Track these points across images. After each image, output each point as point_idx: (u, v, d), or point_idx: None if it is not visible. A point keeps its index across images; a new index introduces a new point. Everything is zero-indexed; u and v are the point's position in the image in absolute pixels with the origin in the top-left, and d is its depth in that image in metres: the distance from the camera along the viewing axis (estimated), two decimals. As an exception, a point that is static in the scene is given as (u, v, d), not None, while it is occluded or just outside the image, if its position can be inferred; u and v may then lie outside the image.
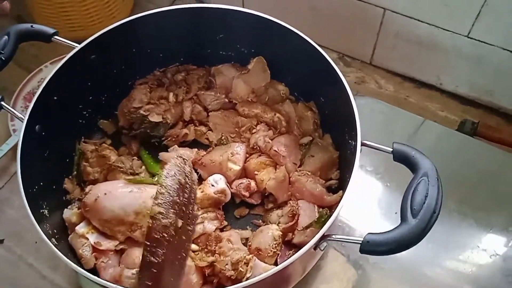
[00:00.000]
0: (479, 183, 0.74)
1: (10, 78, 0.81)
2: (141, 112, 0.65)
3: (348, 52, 0.90)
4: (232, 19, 0.66)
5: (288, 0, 0.87)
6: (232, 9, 0.65)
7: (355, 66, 0.89)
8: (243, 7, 0.82)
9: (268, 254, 0.54)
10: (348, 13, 0.82)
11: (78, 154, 0.63)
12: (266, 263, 0.53)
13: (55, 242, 0.48)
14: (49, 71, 0.86)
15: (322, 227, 0.47)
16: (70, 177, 0.62)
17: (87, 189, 0.56)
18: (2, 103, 0.54)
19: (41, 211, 0.52)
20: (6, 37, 0.56)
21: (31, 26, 0.58)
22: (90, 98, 0.65)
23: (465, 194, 0.72)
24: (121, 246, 0.55)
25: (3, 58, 0.55)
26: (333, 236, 0.46)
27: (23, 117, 0.54)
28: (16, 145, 0.77)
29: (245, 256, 0.53)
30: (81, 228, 0.53)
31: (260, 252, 0.54)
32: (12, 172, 0.79)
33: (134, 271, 0.51)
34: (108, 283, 0.43)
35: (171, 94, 0.68)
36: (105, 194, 0.53)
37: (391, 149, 0.49)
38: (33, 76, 0.86)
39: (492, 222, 0.69)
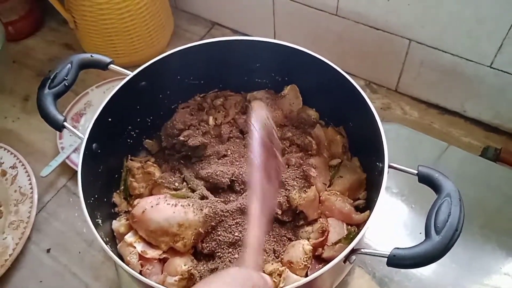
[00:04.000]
0: (502, 207, 0.76)
1: (60, 100, 0.88)
2: (181, 138, 0.70)
3: (375, 79, 0.94)
4: (266, 50, 0.71)
5: (318, 32, 0.92)
6: (265, 41, 0.70)
7: (381, 93, 0.93)
8: (275, 38, 0.87)
9: (299, 267, 0.57)
10: (375, 43, 0.86)
11: (126, 170, 0.68)
12: (297, 275, 0.57)
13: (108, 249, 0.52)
14: (94, 94, 0.94)
15: (350, 243, 0.51)
16: (118, 191, 0.68)
17: (135, 202, 0.61)
18: (65, 123, 0.60)
19: (96, 220, 0.57)
20: (69, 65, 0.62)
21: (91, 56, 0.64)
22: (138, 120, 0.71)
23: (488, 218, 0.74)
24: (164, 256, 0.59)
25: (67, 84, 0.61)
26: (362, 249, 0.49)
27: (83, 136, 0.59)
28: (63, 162, 0.84)
29: (278, 268, 0.57)
30: (129, 238, 0.58)
31: (292, 265, 0.57)
32: (59, 186, 0.85)
33: (176, 277, 0.55)
34: (154, 283, 0.47)
35: (211, 118, 0.73)
36: (152, 207, 0.58)
37: (416, 171, 0.53)
38: (80, 99, 0.94)
39: (515, 246, 0.71)
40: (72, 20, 0.94)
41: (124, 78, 0.64)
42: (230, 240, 0.59)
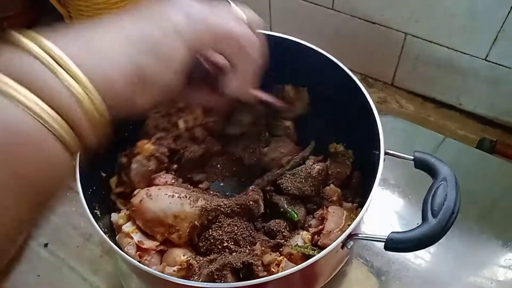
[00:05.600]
0: (497, 199, 0.76)
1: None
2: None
3: (371, 73, 0.95)
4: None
5: (314, 26, 0.92)
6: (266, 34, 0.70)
7: (377, 86, 0.94)
8: (271, 30, 0.87)
9: (299, 257, 0.57)
10: (370, 38, 0.87)
11: (121, 165, 0.68)
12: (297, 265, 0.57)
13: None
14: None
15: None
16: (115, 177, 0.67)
17: (135, 192, 0.61)
18: None
19: (95, 211, 0.57)
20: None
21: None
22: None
23: (484, 210, 0.75)
24: (160, 247, 0.59)
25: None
26: (359, 234, 0.49)
27: None
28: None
29: (276, 258, 0.57)
30: (127, 227, 0.58)
31: (292, 256, 0.58)
32: (56, 182, 0.85)
33: (175, 268, 0.55)
34: (155, 271, 0.47)
35: (180, 121, 0.70)
36: (149, 196, 0.58)
37: (412, 157, 0.53)
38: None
39: (511, 237, 0.72)
40: (68, 15, 0.94)
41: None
42: (225, 238, 0.59)
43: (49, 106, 0.30)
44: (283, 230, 0.62)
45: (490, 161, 0.79)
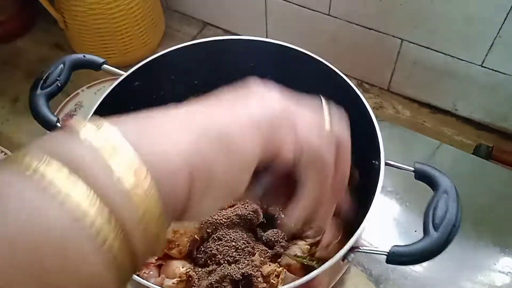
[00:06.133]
0: (495, 205, 0.77)
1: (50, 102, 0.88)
2: None
3: (366, 79, 0.95)
4: (262, 49, 0.71)
5: (310, 32, 0.92)
6: (264, 41, 0.70)
7: (373, 92, 0.94)
8: (267, 37, 0.87)
9: (298, 267, 0.57)
10: (367, 43, 0.87)
11: None
12: (296, 276, 0.57)
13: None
14: (85, 95, 0.93)
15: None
16: None
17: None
18: (58, 124, 0.59)
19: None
20: (62, 65, 0.61)
21: (83, 56, 0.64)
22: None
23: (482, 215, 0.75)
24: (159, 262, 0.59)
25: (59, 85, 0.60)
26: (361, 247, 0.49)
27: None
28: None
29: (275, 269, 0.57)
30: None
31: (290, 267, 0.57)
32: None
33: (175, 280, 0.54)
34: (154, 285, 0.47)
35: None
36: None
37: (413, 168, 0.53)
38: (70, 100, 0.92)
39: (508, 242, 0.72)
40: (62, 20, 0.93)
41: (117, 78, 0.64)
42: (224, 249, 0.58)
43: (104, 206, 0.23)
44: (281, 240, 0.61)
45: (487, 167, 0.80)
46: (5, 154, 0.84)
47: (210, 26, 1.08)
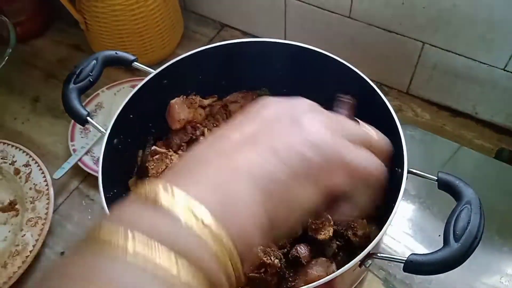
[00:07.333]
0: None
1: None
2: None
3: (386, 81, 0.94)
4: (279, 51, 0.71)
5: (329, 34, 0.92)
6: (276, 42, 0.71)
7: (392, 95, 0.93)
8: (286, 39, 0.87)
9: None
10: (387, 46, 0.86)
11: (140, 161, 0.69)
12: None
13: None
14: (105, 95, 0.94)
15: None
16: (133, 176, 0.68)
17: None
18: (88, 118, 0.60)
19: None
20: (94, 61, 0.62)
21: (116, 53, 0.65)
22: (158, 118, 0.71)
23: (505, 220, 0.75)
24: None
25: (91, 80, 0.62)
26: (378, 254, 0.49)
27: (105, 131, 0.60)
28: (75, 164, 0.84)
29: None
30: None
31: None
32: (71, 189, 0.85)
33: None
34: None
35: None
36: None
37: (436, 178, 0.53)
38: (91, 100, 0.93)
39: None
40: (83, 21, 0.94)
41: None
42: None
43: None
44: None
45: (509, 171, 0.79)
46: (27, 154, 0.85)
47: (228, 28, 1.08)
